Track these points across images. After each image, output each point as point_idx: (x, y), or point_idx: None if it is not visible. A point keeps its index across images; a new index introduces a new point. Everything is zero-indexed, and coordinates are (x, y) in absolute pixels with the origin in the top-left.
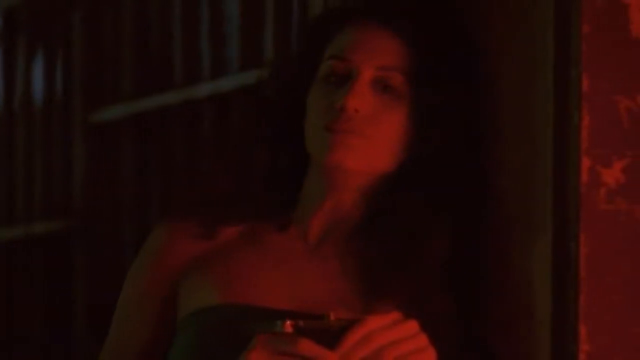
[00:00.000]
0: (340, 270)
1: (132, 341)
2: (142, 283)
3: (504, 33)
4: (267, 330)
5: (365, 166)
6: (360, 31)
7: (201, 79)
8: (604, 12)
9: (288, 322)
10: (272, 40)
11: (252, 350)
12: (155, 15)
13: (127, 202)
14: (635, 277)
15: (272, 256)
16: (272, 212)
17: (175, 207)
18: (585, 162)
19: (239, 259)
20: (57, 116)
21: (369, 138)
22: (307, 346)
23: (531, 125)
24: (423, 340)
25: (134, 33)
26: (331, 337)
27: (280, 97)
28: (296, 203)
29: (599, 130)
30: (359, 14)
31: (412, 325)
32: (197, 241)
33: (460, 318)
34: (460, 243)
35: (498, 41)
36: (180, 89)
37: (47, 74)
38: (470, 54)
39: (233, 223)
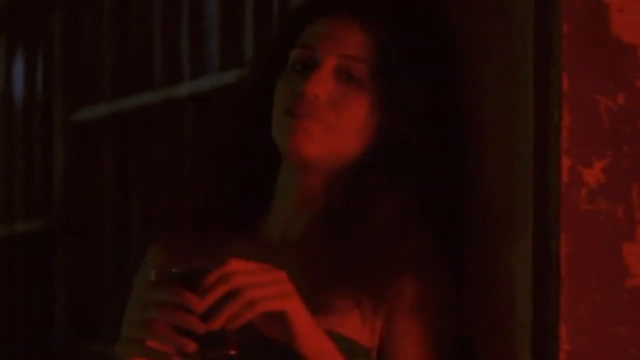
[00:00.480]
0: (305, 260)
1: None
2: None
3: (483, 33)
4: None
5: (325, 152)
6: (328, 22)
7: (181, 79)
8: (584, 12)
9: (155, 271)
10: (252, 40)
11: (128, 307)
12: (135, 15)
13: (108, 202)
14: (615, 276)
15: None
16: (250, 216)
17: (162, 223)
18: (566, 162)
19: None
20: (38, 116)
21: (328, 125)
22: (169, 290)
23: (511, 125)
24: (287, 287)
25: (114, 33)
26: (200, 281)
27: (255, 91)
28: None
29: (580, 130)
30: (329, 5)
31: (278, 274)
32: (184, 258)
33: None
34: (434, 236)
35: (478, 41)
36: (160, 88)
37: (28, 74)
38: (440, 49)
39: (213, 235)
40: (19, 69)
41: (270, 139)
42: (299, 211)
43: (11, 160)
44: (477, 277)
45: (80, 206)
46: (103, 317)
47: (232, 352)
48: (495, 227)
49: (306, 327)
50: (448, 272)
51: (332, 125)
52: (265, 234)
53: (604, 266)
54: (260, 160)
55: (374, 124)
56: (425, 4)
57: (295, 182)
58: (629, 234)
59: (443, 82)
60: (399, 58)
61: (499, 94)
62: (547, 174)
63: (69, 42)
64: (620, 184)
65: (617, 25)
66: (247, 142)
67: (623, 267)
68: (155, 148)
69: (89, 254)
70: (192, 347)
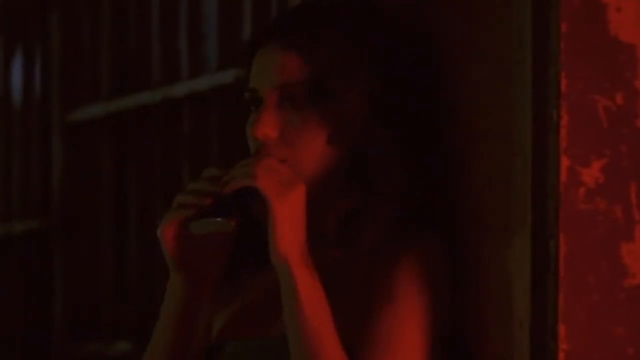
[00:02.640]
0: None
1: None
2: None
3: (481, 32)
4: None
5: None
6: (261, 57)
7: (179, 78)
8: (582, 12)
9: (209, 169)
10: None
11: None
12: (134, 14)
13: (105, 201)
14: (614, 276)
15: (266, 286)
16: None
17: None
18: (564, 162)
19: (246, 296)
20: (36, 115)
21: (286, 160)
22: (199, 184)
23: (510, 124)
24: (291, 194)
25: (112, 32)
26: None
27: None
28: None
29: (578, 130)
30: (262, 38)
31: (295, 185)
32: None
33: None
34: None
35: (475, 40)
36: (158, 88)
37: (26, 73)
38: (382, 55)
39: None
40: (17, 68)
41: None
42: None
43: (9, 159)
44: (475, 276)
45: (78, 205)
46: (101, 317)
47: (232, 222)
48: (493, 226)
49: (280, 233)
50: (439, 270)
51: (290, 159)
52: None
53: (602, 266)
54: None
55: (330, 140)
56: (360, 13)
57: None
58: (628, 234)
59: (392, 85)
60: (333, 72)
61: (497, 93)
62: (545, 174)
63: (67, 41)
64: (618, 184)
65: (615, 25)
66: None
67: (621, 267)
68: (152, 147)
69: (86, 254)
70: (209, 200)
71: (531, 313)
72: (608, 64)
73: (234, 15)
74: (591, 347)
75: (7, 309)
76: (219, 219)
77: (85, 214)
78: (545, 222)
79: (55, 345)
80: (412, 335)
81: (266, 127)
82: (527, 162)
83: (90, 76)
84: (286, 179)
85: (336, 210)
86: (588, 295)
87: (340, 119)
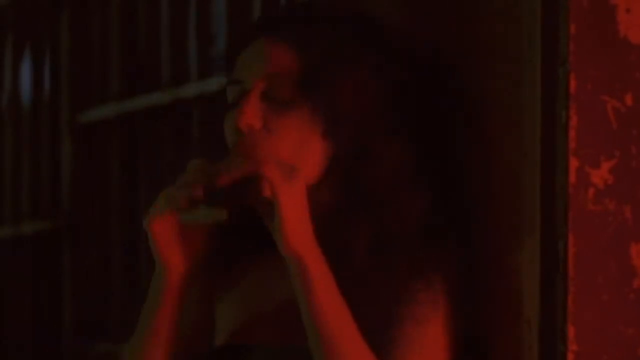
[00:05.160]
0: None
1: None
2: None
3: (490, 33)
4: None
5: None
6: (247, 51)
7: (189, 79)
8: (591, 13)
9: (193, 161)
10: None
11: None
12: (143, 15)
13: (115, 202)
14: (623, 277)
15: (263, 289)
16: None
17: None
18: (574, 163)
19: (244, 298)
20: (45, 116)
21: (275, 153)
22: (189, 176)
23: (519, 125)
24: (291, 185)
25: (121, 33)
26: None
27: None
28: None
29: (587, 131)
30: (250, 34)
31: (295, 175)
32: (226, 278)
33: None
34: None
35: (485, 41)
36: (168, 88)
37: (35, 74)
38: (363, 52)
39: (244, 261)
40: (26, 69)
41: None
42: None
43: (18, 160)
44: (484, 277)
45: (87, 206)
46: (110, 317)
47: (226, 212)
48: (502, 227)
49: (288, 224)
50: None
51: (276, 150)
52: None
53: (611, 266)
54: None
55: (323, 135)
56: (338, 9)
57: None
58: (637, 235)
59: (390, 84)
60: (326, 63)
61: (506, 94)
62: (554, 175)
63: (77, 42)
64: (628, 185)
65: (625, 26)
66: None
67: (630, 268)
68: (162, 148)
69: (96, 254)
70: (199, 192)
71: (540, 314)
72: (617, 64)
73: (244, 15)
74: (600, 348)
75: (16, 309)
76: (212, 209)
77: (94, 215)
78: (554, 222)
79: (64, 345)
80: (436, 336)
81: (249, 115)
82: (536, 163)
83: (99, 77)
84: (287, 168)
85: (325, 222)
86: (597, 296)
87: (333, 114)
